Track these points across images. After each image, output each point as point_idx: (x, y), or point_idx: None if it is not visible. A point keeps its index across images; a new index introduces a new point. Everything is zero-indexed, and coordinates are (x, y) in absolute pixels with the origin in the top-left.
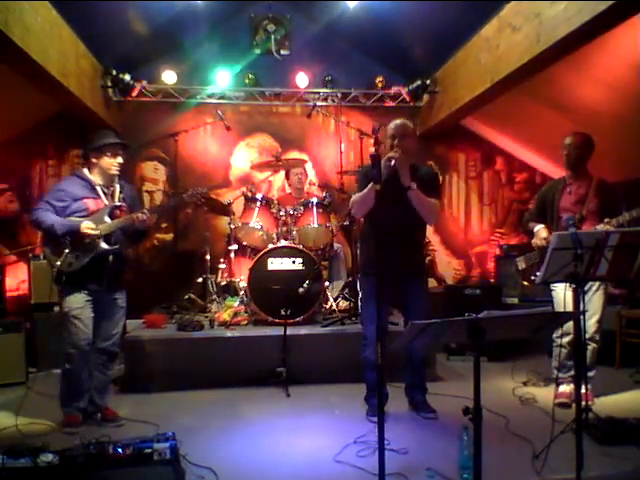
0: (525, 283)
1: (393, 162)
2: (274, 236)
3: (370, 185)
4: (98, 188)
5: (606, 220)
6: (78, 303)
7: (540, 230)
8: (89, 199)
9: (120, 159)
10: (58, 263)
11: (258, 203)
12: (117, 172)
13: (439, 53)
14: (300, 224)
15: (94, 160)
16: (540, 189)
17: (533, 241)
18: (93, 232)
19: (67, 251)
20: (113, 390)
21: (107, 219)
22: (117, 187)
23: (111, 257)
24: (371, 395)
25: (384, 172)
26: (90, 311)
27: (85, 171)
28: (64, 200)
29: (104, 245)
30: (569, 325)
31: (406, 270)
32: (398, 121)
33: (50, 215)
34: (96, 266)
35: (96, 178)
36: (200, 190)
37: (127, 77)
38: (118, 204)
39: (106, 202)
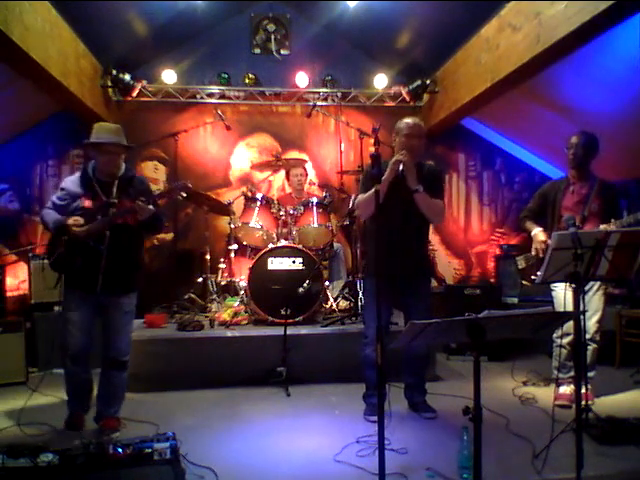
0: (525, 282)
1: (401, 167)
2: (274, 236)
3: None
4: (96, 185)
5: (611, 222)
6: (72, 305)
7: (538, 234)
8: (86, 197)
9: (114, 157)
10: (47, 261)
11: (258, 203)
12: (112, 170)
13: (439, 53)
14: (300, 224)
15: (92, 154)
16: (540, 187)
17: (533, 246)
18: (78, 229)
19: (61, 250)
20: None
21: (99, 217)
22: (116, 182)
23: (105, 257)
24: (370, 394)
25: (391, 174)
26: (86, 314)
27: (88, 166)
28: (65, 199)
29: (92, 243)
30: (569, 325)
31: (410, 271)
32: (410, 120)
33: (51, 214)
34: (89, 267)
35: (98, 174)
36: (182, 183)
37: (127, 77)
38: (112, 201)
39: (103, 199)
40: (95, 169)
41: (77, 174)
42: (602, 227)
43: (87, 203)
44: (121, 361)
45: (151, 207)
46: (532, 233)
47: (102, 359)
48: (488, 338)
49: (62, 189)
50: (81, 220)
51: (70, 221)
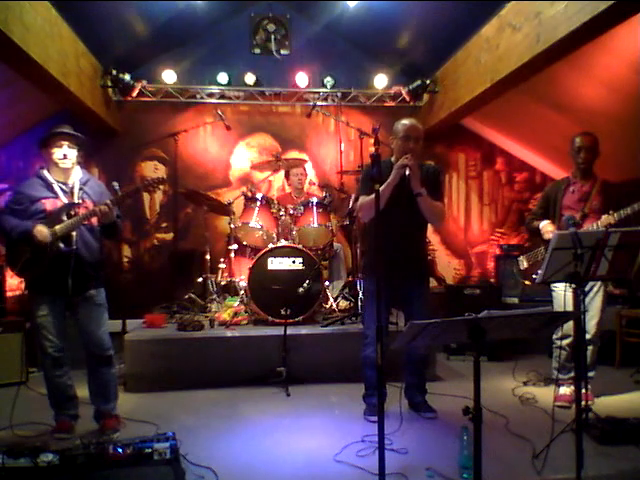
0: (527, 282)
1: (408, 171)
2: (274, 236)
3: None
4: (56, 186)
5: (610, 212)
6: (42, 310)
7: (546, 225)
8: (47, 199)
9: (67, 149)
10: (16, 269)
11: (258, 203)
12: (67, 165)
13: (439, 53)
14: (300, 224)
15: (45, 156)
16: (543, 189)
17: (544, 237)
18: (43, 239)
19: (27, 256)
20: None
21: (65, 218)
22: (76, 183)
23: (74, 258)
24: (370, 394)
25: (396, 178)
26: (58, 316)
27: (45, 170)
28: (22, 203)
29: (61, 246)
30: (569, 327)
31: (409, 271)
32: (407, 122)
33: (10, 220)
34: (58, 269)
35: (54, 176)
36: (155, 178)
37: (127, 77)
38: (76, 202)
39: (65, 201)
40: (51, 171)
41: (33, 178)
42: (603, 218)
43: (49, 205)
44: (106, 356)
45: (115, 214)
46: (541, 225)
47: (87, 358)
48: (488, 338)
49: (18, 193)
50: (46, 231)
51: (37, 228)
